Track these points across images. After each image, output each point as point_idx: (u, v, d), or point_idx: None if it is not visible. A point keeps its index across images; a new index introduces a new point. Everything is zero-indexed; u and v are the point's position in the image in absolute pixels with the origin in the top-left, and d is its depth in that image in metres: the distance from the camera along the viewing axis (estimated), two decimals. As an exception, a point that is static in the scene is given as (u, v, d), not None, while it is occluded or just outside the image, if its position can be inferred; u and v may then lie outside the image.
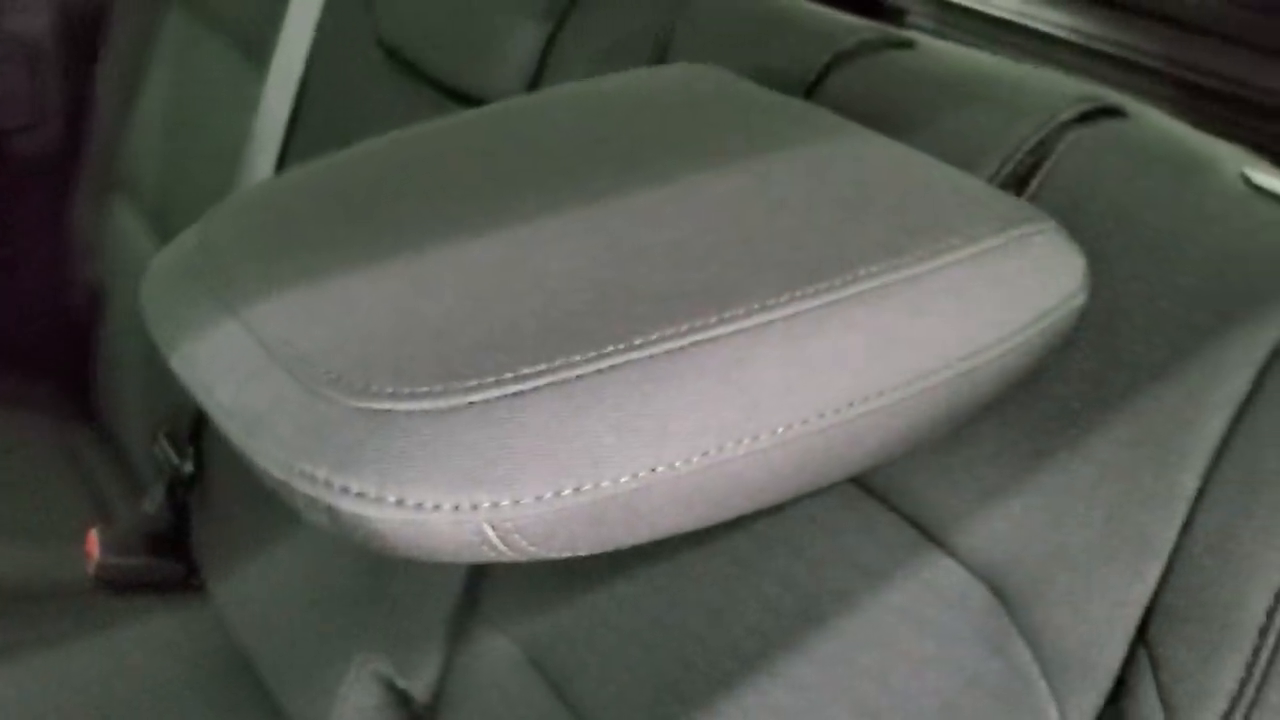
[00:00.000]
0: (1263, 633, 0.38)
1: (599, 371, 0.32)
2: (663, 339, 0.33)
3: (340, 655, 0.73)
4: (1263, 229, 0.42)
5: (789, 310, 0.35)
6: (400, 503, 0.30)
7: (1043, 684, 0.43)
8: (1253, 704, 0.38)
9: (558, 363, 0.32)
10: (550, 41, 0.75)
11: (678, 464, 0.32)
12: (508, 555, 0.32)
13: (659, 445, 0.32)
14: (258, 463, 0.32)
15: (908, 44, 0.57)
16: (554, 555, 0.33)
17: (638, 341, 0.33)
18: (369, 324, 0.34)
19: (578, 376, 0.32)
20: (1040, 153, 0.47)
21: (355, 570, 0.75)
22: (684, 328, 0.33)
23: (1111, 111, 0.49)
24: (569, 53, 0.73)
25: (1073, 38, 1.49)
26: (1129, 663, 0.41)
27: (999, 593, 0.45)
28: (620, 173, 0.41)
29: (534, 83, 0.75)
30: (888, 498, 0.48)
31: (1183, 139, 0.46)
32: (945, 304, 0.37)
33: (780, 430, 0.34)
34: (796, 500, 0.50)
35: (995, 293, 0.38)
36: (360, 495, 0.30)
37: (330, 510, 0.31)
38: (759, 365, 0.34)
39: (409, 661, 0.69)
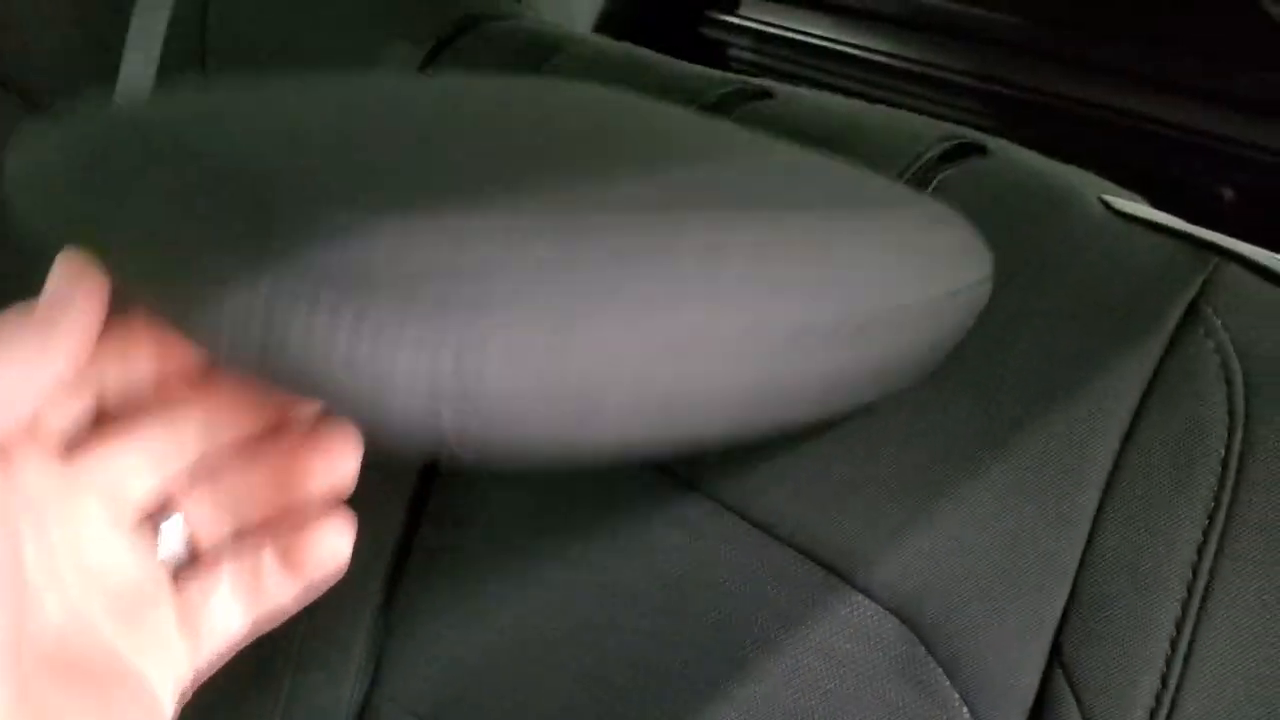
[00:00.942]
0: (1173, 644, 0.39)
1: (596, 223, 0.31)
2: (648, 220, 0.32)
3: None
4: (1130, 251, 0.44)
5: (756, 216, 0.35)
6: (359, 316, 0.26)
7: (965, 710, 0.44)
8: (1169, 715, 0.39)
9: (563, 198, 0.31)
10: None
11: (641, 342, 0.31)
12: (459, 425, 0.28)
13: (631, 325, 0.30)
14: (182, 287, 0.28)
15: (767, 94, 0.58)
16: (499, 459, 0.30)
17: (632, 216, 0.32)
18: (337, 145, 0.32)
19: (582, 223, 0.31)
20: None
21: (241, 658, 0.72)
22: (670, 214, 0.33)
23: (972, 148, 0.51)
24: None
25: (890, 62, 1.56)
26: (1047, 682, 0.43)
27: (912, 624, 0.46)
28: (650, 150, 0.41)
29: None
30: (795, 542, 0.49)
31: (1043, 171, 0.48)
32: (881, 250, 0.38)
33: (737, 330, 0.33)
34: (712, 546, 0.50)
35: (924, 252, 0.40)
36: (313, 307, 0.26)
37: (267, 326, 0.26)
38: (726, 265, 0.33)
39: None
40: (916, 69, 1.53)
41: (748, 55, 1.75)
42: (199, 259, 0.28)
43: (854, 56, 1.59)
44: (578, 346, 0.29)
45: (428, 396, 0.27)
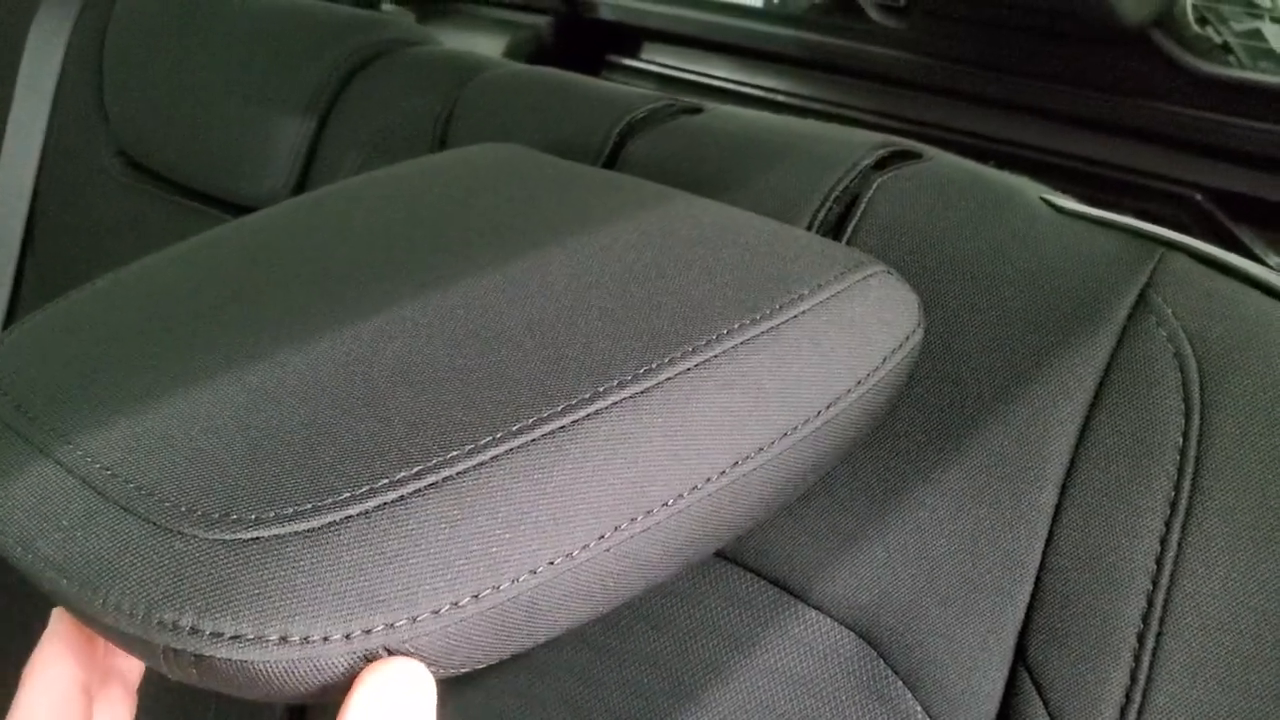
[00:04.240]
0: (1140, 638, 0.39)
1: (481, 465, 0.30)
2: (542, 421, 0.31)
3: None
4: (1075, 245, 0.44)
5: (664, 376, 0.33)
6: (284, 640, 0.26)
7: None
8: (1140, 709, 0.38)
9: (435, 462, 0.29)
10: (317, 135, 0.71)
11: (576, 552, 0.30)
12: None
13: (556, 535, 0.30)
14: (104, 620, 0.27)
15: (696, 109, 0.58)
16: (453, 672, 0.30)
17: (516, 428, 0.31)
18: (214, 445, 0.30)
19: (460, 473, 0.29)
20: (849, 199, 0.48)
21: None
22: (561, 407, 0.31)
23: (908, 155, 0.50)
24: (340, 144, 0.70)
25: (791, 101, 1.58)
26: (1012, 685, 0.42)
27: (869, 638, 0.45)
28: (455, 258, 0.39)
29: (303, 178, 0.72)
30: (743, 559, 0.48)
31: (981, 173, 0.48)
32: (805, 353, 0.37)
33: (672, 501, 0.32)
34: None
35: (847, 336, 0.38)
36: (236, 638, 0.26)
37: (200, 661, 0.26)
38: (643, 436, 0.32)
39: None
40: (818, 107, 1.56)
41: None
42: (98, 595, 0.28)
43: (756, 97, 1.61)
44: (505, 594, 0.29)
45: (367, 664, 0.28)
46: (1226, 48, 1.28)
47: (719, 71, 1.66)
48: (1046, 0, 1.23)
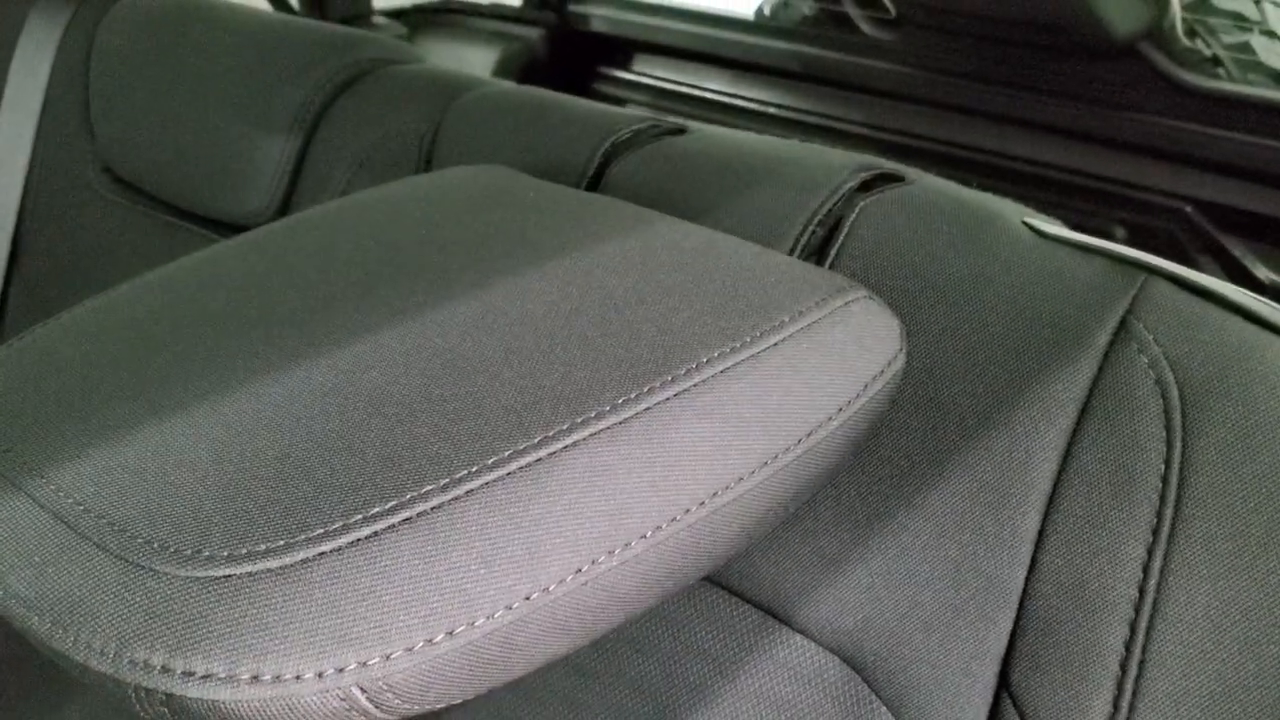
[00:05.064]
0: (1123, 665, 0.38)
1: (456, 500, 0.29)
2: (518, 454, 0.31)
3: None
4: (1057, 271, 0.44)
5: (642, 406, 0.33)
6: (256, 679, 0.26)
7: None
8: None
9: (409, 496, 0.29)
10: (302, 153, 0.71)
11: (552, 587, 0.30)
12: (374, 713, 0.28)
13: (532, 569, 0.29)
14: (75, 657, 0.27)
15: (680, 130, 0.58)
16: (428, 708, 0.29)
17: (492, 461, 0.30)
18: (186, 480, 0.30)
19: (434, 508, 0.29)
20: (833, 222, 0.48)
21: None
22: (538, 439, 0.31)
23: (891, 178, 0.50)
24: (325, 162, 0.70)
25: (781, 113, 1.58)
26: (996, 713, 0.42)
27: (854, 662, 0.44)
28: (435, 283, 0.39)
29: (288, 196, 0.71)
30: (727, 583, 0.47)
31: (964, 197, 0.48)
32: (786, 380, 0.37)
33: (650, 533, 0.32)
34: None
35: (828, 363, 0.38)
36: (207, 677, 0.26)
37: (171, 700, 0.26)
38: (621, 468, 0.32)
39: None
40: (809, 119, 1.56)
41: (643, 111, 1.77)
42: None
43: (748, 109, 1.61)
44: (481, 630, 0.29)
45: (342, 703, 0.27)
46: (1216, 61, 1.28)
47: (711, 84, 1.66)
48: (1037, 13, 1.24)
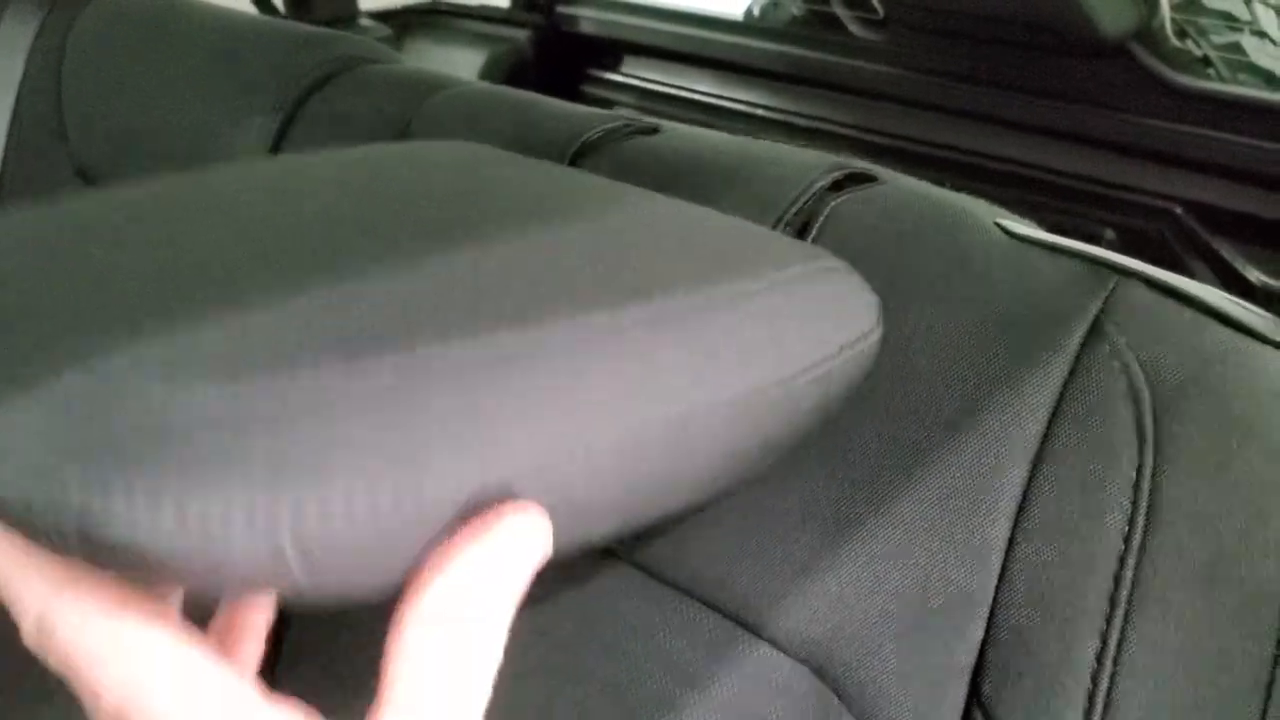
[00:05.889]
0: (1095, 678, 0.37)
1: (437, 359, 0.27)
2: (499, 338, 0.29)
3: None
4: (1029, 272, 0.43)
5: (624, 318, 0.32)
6: (180, 508, 0.23)
7: None
8: None
9: (401, 341, 0.27)
10: (275, 152, 0.70)
11: (509, 474, 0.28)
12: (303, 585, 0.25)
13: (491, 454, 0.27)
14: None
15: (653, 130, 0.57)
16: (356, 593, 0.27)
17: (481, 336, 0.29)
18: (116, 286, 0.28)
19: (421, 359, 0.27)
20: (802, 222, 0.47)
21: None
22: (526, 325, 0.30)
23: (863, 177, 0.49)
24: (301, 146, 0.69)
25: (769, 115, 1.58)
26: None
27: (823, 674, 0.43)
28: (428, 228, 0.37)
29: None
30: (697, 591, 0.46)
31: (936, 197, 0.47)
32: (761, 328, 0.36)
33: (614, 438, 0.31)
34: (604, 600, 0.47)
35: (805, 318, 0.37)
36: (129, 506, 0.23)
37: (83, 536, 0.23)
38: (596, 371, 0.30)
39: None
40: (797, 120, 1.55)
41: (631, 112, 1.77)
42: None
43: (736, 110, 1.61)
44: (430, 484, 0.26)
45: (270, 559, 0.24)
46: (1206, 61, 1.28)
47: (699, 86, 1.65)
48: (1026, 13, 1.23)
